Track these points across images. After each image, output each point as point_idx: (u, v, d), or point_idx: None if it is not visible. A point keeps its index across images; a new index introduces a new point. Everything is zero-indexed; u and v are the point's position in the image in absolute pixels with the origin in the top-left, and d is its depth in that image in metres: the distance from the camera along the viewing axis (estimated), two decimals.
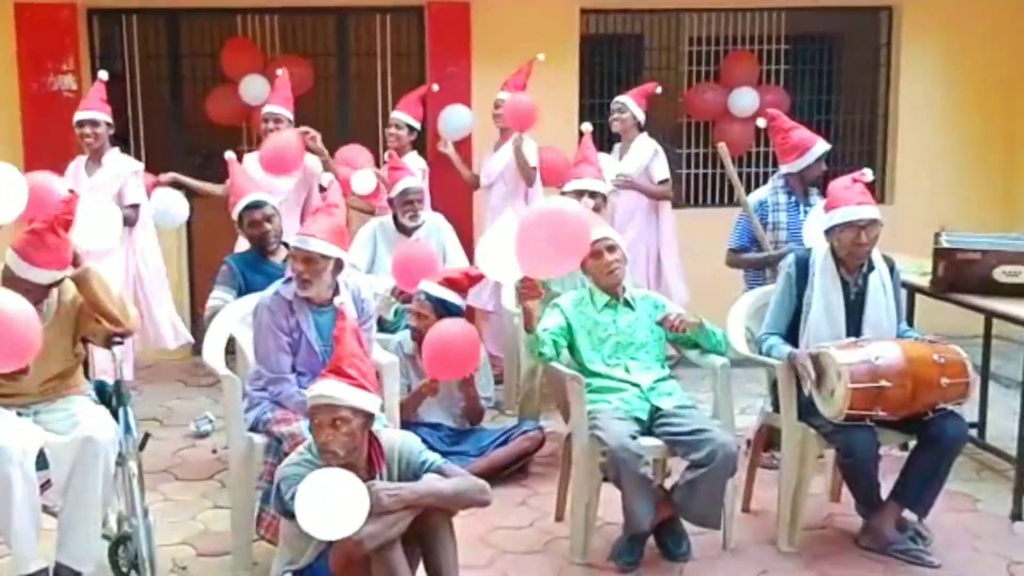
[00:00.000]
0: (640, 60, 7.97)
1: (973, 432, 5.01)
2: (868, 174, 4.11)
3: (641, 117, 6.30)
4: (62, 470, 3.43)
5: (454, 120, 6.85)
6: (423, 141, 6.80)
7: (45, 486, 3.47)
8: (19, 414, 3.54)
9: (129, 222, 5.66)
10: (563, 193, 5.09)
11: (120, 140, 7.21)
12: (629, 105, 6.25)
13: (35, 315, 3.23)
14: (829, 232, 3.96)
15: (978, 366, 5.37)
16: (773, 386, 4.12)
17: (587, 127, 5.54)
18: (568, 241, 3.78)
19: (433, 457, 3.19)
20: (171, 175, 6.18)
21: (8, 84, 6.74)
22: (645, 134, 6.33)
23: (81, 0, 6.89)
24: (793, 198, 4.79)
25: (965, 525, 4.20)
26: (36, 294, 3.47)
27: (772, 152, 7.10)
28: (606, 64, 7.68)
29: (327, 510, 2.84)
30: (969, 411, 4.87)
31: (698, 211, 7.52)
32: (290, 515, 2.99)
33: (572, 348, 4.06)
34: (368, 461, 3.13)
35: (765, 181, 5.65)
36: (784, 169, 4.83)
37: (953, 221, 5.66)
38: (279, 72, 6.25)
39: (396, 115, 6.41)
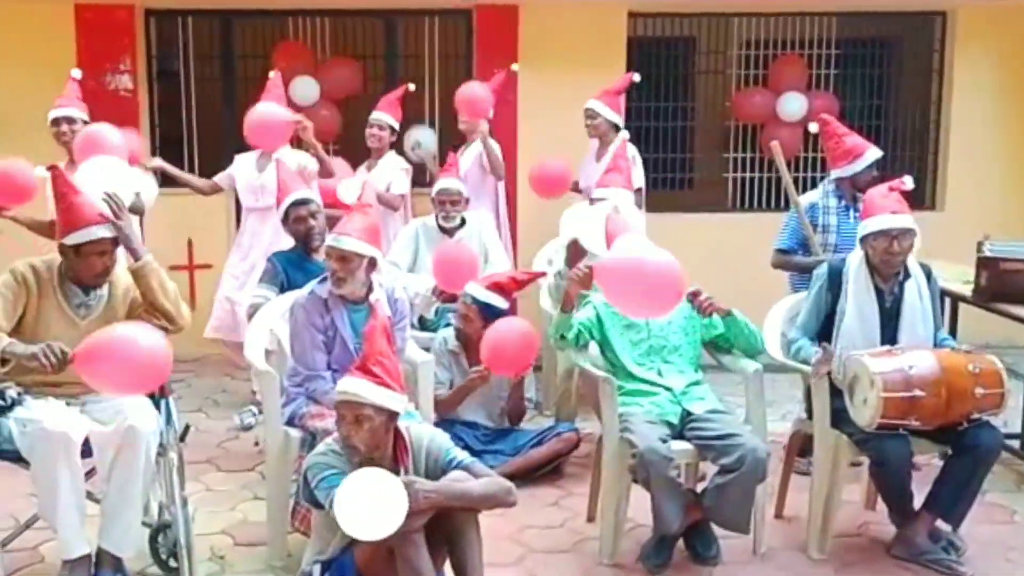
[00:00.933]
0: (690, 63, 7.96)
1: (1014, 443, 4.97)
2: (908, 182, 4.08)
3: (616, 119, 6.17)
4: (106, 458, 3.54)
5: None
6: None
7: (90, 474, 3.59)
8: (67, 404, 3.66)
9: None
10: (592, 200, 5.13)
11: (174, 138, 7.43)
12: (600, 110, 6.15)
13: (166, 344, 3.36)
14: (863, 240, 3.95)
15: (1022, 376, 5.32)
16: (807, 393, 4.11)
17: (624, 134, 5.56)
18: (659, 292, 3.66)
19: (461, 455, 3.24)
20: (157, 162, 6.13)
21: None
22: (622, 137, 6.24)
23: (139, 1, 7.06)
24: (843, 202, 4.77)
25: (1001, 537, 4.16)
26: (104, 258, 3.65)
27: (821, 157, 7.09)
28: (656, 67, 7.67)
29: (366, 511, 2.88)
30: (1011, 421, 4.83)
31: (744, 216, 7.50)
32: (317, 504, 3.07)
33: (604, 349, 4.09)
34: (393, 456, 3.19)
35: (813, 186, 5.63)
36: (835, 174, 4.80)
37: (1003, 229, 5.61)
38: (271, 75, 6.16)
39: (378, 116, 6.40)
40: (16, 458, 3.51)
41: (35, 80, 6.20)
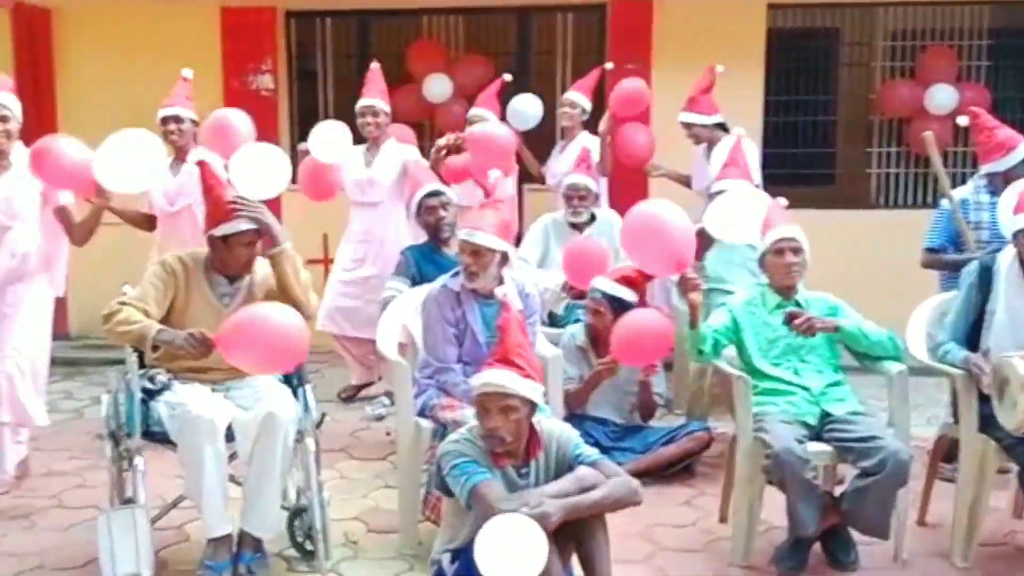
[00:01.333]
0: (834, 55, 7.74)
1: None
2: None
3: (706, 120, 6.05)
4: (247, 443, 3.66)
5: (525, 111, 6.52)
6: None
7: (232, 458, 3.73)
8: (212, 389, 3.81)
9: None
10: (711, 195, 5.04)
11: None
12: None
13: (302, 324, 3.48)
14: (1015, 236, 3.75)
15: None
16: (954, 396, 3.93)
17: (739, 131, 5.45)
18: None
19: (589, 451, 3.22)
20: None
21: (214, 83, 7.20)
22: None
23: (280, 3, 7.29)
24: (995, 198, 4.54)
25: None
26: (249, 249, 3.82)
27: (972, 152, 6.80)
28: (797, 60, 7.49)
29: (507, 559, 2.86)
30: None
31: (888, 212, 7.25)
32: (448, 491, 3.10)
33: (740, 348, 4.01)
34: (526, 449, 3.19)
35: (963, 183, 5.39)
36: (986, 168, 4.59)
37: None
38: (372, 67, 6.00)
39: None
40: (164, 440, 3.68)
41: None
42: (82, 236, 4.60)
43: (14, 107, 4.42)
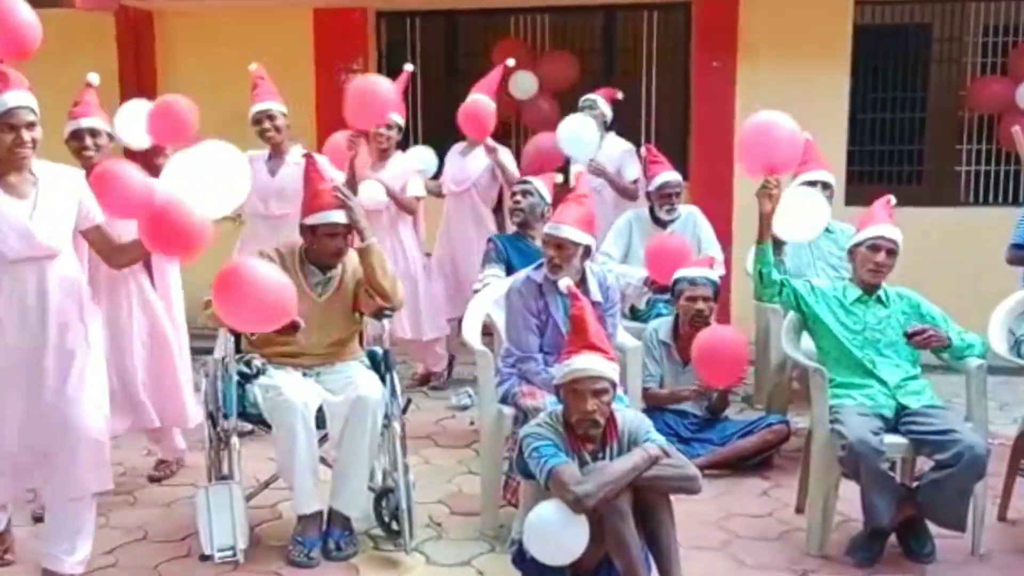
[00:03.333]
0: (925, 51, 7.66)
1: None
2: None
3: (609, 116, 6.30)
4: (337, 426, 3.85)
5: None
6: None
7: (322, 440, 3.91)
8: (304, 374, 4.00)
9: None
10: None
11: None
12: (600, 103, 6.25)
13: (287, 284, 3.54)
14: None
15: None
16: None
17: (806, 135, 5.44)
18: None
19: (658, 439, 3.32)
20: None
21: (306, 82, 7.44)
22: (613, 133, 6.33)
23: (371, 3, 7.50)
24: None
25: None
26: (336, 240, 3.99)
27: None
28: (886, 56, 7.42)
29: (552, 543, 3.18)
30: None
31: (977, 210, 7.15)
32: (528, 474, 3.24)
33: (817, 334, 4.04)
34: (604, 435, 3.31)
35: None
36: None
37: None
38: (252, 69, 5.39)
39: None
40: (259, 420, 3.88)
41: (275, 80, 6.74)
42: (126, 260, 3.88)
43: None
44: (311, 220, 3.98)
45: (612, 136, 6.38)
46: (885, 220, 4.07)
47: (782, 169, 4.04)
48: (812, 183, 4.90)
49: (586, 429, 3.25)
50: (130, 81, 7.42)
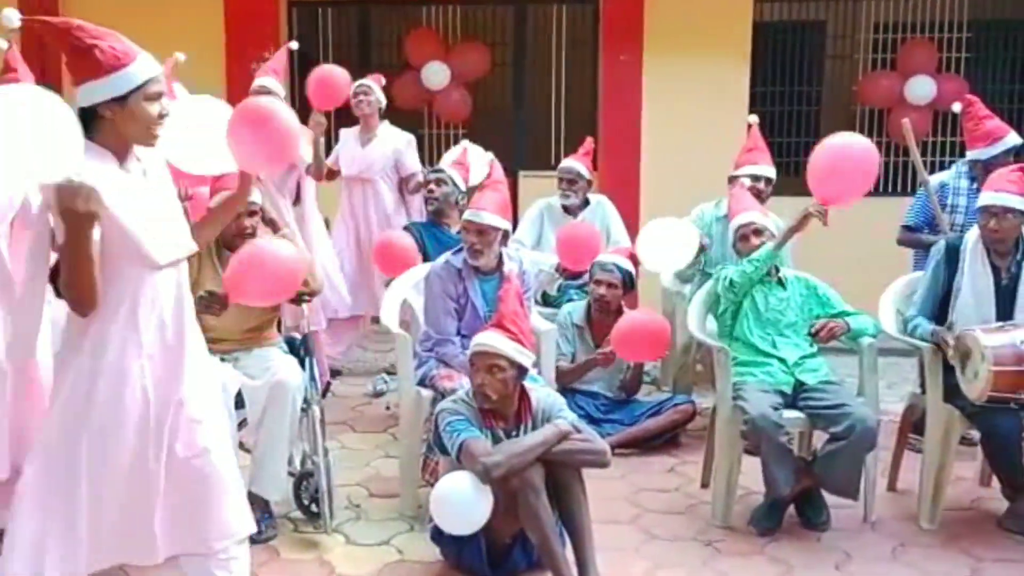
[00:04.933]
0: (821, 47, 7.98)
1: None
2: None
3: (384, 102, 6.01)
4: (256, 410, 3.88)
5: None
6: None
7: (241, 425, 3.94)
8: (222, 359, 4.02)
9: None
10: (731, 179, 5.24)
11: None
12: (374, 88, 5.95)
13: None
14: (979, 214, 4.01)
15: None
16: (921, 368, 4.18)
17: (753, 119, 5.66)
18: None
19: (569, 416, 3.48)
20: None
21: (216, 71, 7.37)
22: (387, 122, 6.06)
23: None
24: (975, 184, 4.77)
25: None
26: (240, 220, 3.87)
27: (950, 142, 7.06)
28: (784, 51, 7.71)
29: (456, 512, 3.35)
30: None
31: (868, 200, 7.40)
32: (445, 450, 3.37)
33: (732, 316, 4.24)
34: (517, 413, 3.46)
35: (941, 170, 5.61)
36: (971, 155, 4.81)
37: None
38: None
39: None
40: None
41: (185, 68, 6.71)
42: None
43: None
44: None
45: (386, 125, 6.04)
46: (743, 208, 4.28)
47: (841, 203, 4.08)
48: (756, 177, 5.05)
49: (479, 402, 3.40)
50: (33, 63, 7.24)
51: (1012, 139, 4.71)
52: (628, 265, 5.16)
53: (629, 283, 5.14)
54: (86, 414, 2.59)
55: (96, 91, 2.48)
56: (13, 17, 2.83)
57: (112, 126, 2.52)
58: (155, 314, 2.65)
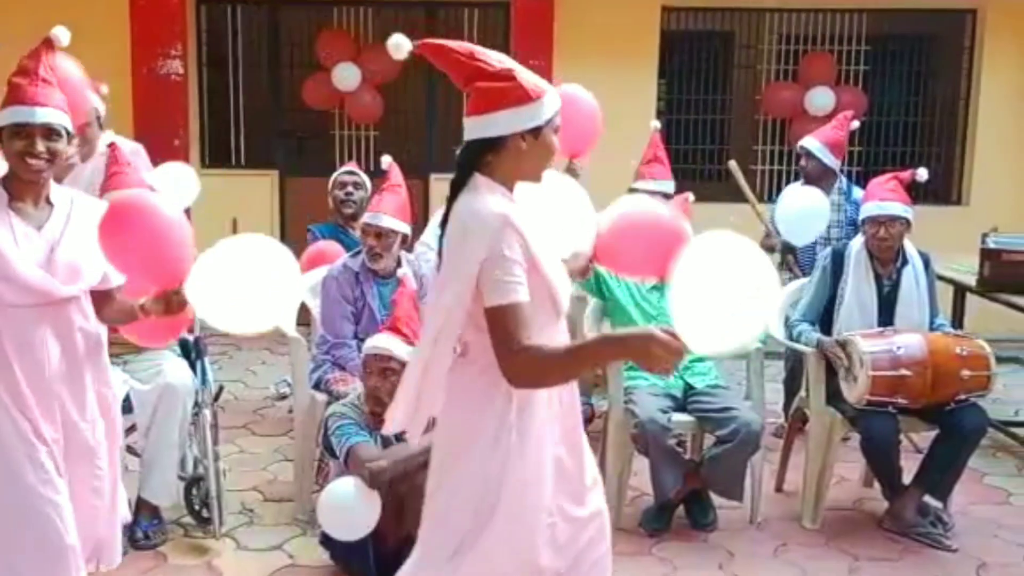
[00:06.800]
0: (729, 57, 8.14)
1: (1020, 431, 5.13)
2: (922, 174, 4.23)
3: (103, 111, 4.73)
4: (145, 414, 3.83)
5: None
6: None
7: (130, 430, 3.88)
8: (111, 363, 3.95)
9: None
10: (631, 190, 5.29)
11: (222, 123, 7.75)
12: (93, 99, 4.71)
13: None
14: (862, 225, 4.14)
15: None
16: (791, 372, 4.34)
17: (655, 124, 5.73)
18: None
19: None
20: None
21: (122, 67, 7.24)
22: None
23: None
24: None
25: (994, 517, 4.31)
26: None
27: (859, 152, 7.27)
28: (693, 61, 7.86)
29: (344, 517, 3.33)
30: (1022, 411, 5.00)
31: (771, 206, 7.62)
32: (334, 454, 3.37)
33: (614, 322, 4.31)
34: None
35: (859, 179, 5.75)
36: None
37: None
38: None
39: None
40: None
41: (91, 65, 6.58)
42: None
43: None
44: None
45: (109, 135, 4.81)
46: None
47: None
48: (653, 193, 4.95)
49: (372, 406, 3.40)
50: None
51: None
52: None
53: None
54: None
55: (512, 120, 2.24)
56: (404, 44, 2.46)
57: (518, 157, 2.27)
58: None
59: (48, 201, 2.78)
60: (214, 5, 7.69)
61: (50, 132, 2.67)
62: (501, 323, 2.13)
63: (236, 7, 7.71)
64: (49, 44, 2.78)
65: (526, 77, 2.25)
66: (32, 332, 2.70)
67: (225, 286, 2.81)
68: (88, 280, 2.79)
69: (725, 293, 2.19)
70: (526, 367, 2.14)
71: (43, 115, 2.66)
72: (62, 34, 2.80)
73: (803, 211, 4.79)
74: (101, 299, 2.92)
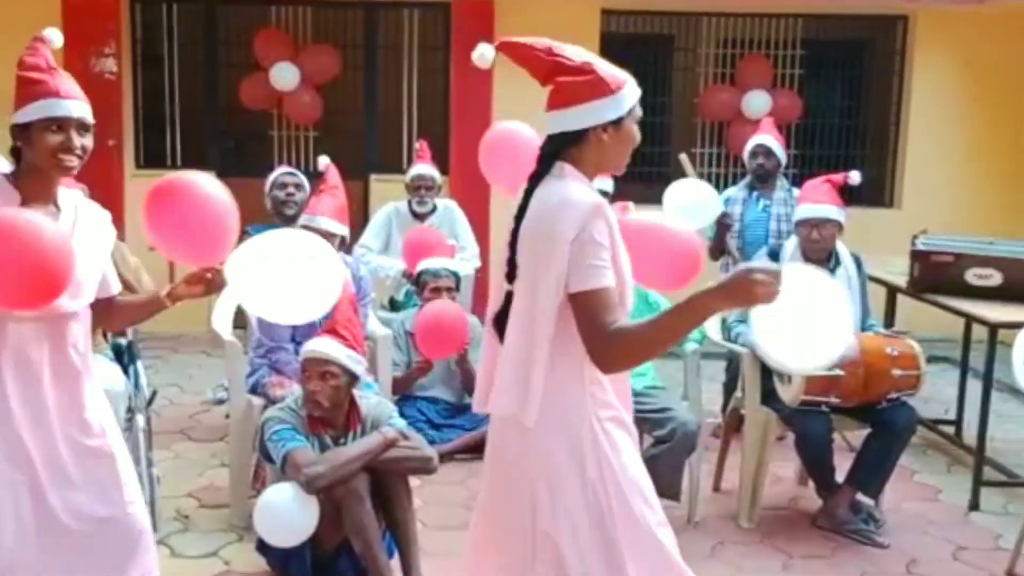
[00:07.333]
0: (669, 60, 8.22)
1: (950, 429, 5.24)
2: (854, 177, 4.31)
3: None
4: None
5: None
6: None
7: None
8: None
9: None
10: None
11: (157, 123, 7.63)
12: None
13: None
14: (797, 227, 4.21)
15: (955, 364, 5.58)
16: (732, 374, 4.36)
17: None
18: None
19: (398, 423, 3.49)
20: None
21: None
22: None
23: None
24: (754, 194, 5.35)
25: (923, 513, 4.41)
26: None
27: (794, 155, 7.37)
28: (634, 63, 7.88)
29: (283, 523, 3.32)
30: (952, 410, 5.12)
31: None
32: (270, 459, 3.33)
33: None
34: (346, 421, 3.45)
35: (795, 181, 5.83)
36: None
37: (957, 226, 5.86)
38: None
39: None
40: None
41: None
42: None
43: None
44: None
45: None
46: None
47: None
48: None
49: (311, 409, 3.38)
50: None
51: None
52: (456, 266, 5.24)
53: (456, 286, 5.19)
54: None
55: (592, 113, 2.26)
56: (488, 54, 2.50)
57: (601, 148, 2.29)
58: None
59: (56, 204, 2.56)
60: (149, 2, 7.57)
61: (82, 126, 2.51)
62: (593, 307, 2.10)
63: (172, 5, 7.60)
64: (42, 41, 2.65)
65: (605, 69, 2.27)
66: (29, 348, 2.48)
67: (270, 271, 2.72)
68: (88, 296, 2.58)
69: (815, 315, 2.22)
70: (622, 349, 2.11)
71: (79, 109, 2.51)
72: (55, 36, 2.69)
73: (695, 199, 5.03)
74: (104, 308, 2.72)
